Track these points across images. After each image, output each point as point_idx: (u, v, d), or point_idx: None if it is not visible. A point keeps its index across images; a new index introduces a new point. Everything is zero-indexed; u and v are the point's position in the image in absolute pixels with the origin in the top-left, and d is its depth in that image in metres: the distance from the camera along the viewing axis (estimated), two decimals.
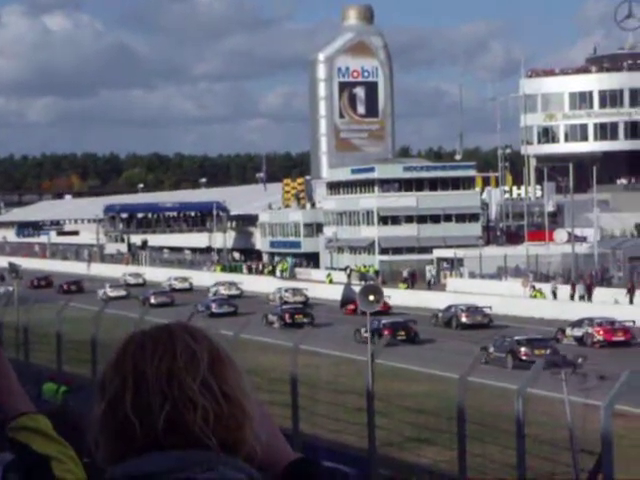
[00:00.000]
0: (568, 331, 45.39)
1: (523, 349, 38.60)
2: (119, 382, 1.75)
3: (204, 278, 79.27)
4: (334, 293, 62.24)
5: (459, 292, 64.06)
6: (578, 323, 45.69)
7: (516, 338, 39.83)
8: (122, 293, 71.95)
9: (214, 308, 59.00)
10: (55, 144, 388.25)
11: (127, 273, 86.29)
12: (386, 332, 42.23)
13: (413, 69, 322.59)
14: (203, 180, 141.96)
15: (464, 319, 51.72)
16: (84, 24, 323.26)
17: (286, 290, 66.96)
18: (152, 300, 63.66)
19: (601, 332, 44.35)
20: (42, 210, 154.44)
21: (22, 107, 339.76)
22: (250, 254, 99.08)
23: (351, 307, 53.60)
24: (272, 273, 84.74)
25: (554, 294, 60.72)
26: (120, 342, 1.83)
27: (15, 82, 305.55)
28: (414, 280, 72.92)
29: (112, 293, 70.93)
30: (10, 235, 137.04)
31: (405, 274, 73.69)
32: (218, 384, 1.74)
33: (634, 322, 45.10)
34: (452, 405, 17.00)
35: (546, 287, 62.21)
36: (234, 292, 70.67)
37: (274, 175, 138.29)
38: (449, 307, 53.59)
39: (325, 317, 55.48)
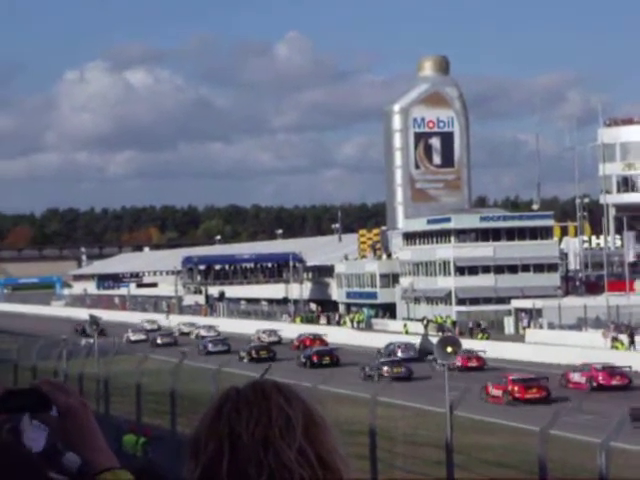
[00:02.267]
0: None
1: None
2: (215, 446, 1.74)
3: (284, 329, 79.26)
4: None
5: (539, 343, 63.29)
6: None
7: None
8: (142, 337, 78.37)
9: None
10: (135, 197, 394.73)
11: (181, 323, 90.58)
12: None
13: (489, 119, 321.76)
14: (279, 231, 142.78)
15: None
16: (165, 79, 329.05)
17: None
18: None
19: None
20: (122, 262, 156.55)
21: (103, 161, 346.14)
22: (327, 305, 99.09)
23: (295, 343, 59.79)
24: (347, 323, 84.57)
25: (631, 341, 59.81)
26: (215, 401, 1.82)
27: (97, 136, 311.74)
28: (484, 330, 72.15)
29: (133, 337, 76.03)
30: (91, 287, 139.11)
31: (482, 324, 73.09)
32: (314, 449, 1.72)
33: None
34: (533, 458, 16.74)
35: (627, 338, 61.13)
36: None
37: (350, 226, 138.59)
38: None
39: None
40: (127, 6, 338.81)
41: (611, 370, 47.72)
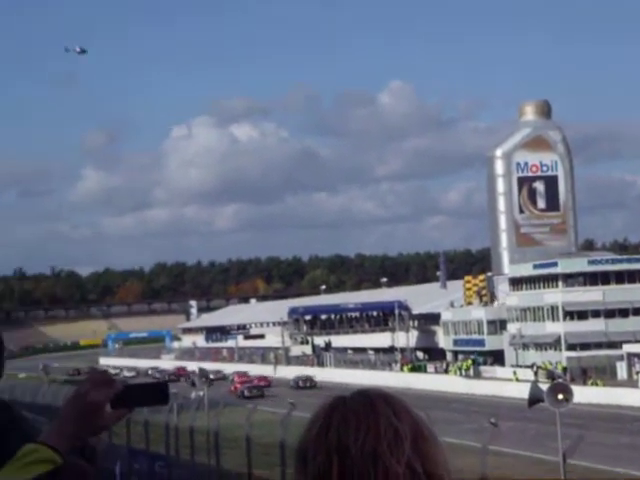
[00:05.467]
0: None
1: None
2: (324, 458, 1.72)
3: (387, 378, 78.98)
4: (521, 391, 61.04)
5: None
6: None
7: None
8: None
9: None
10: (240, 249, 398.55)
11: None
12: None
13: (594, 162, 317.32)
14: (384, 279, 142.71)
15: None
16: (270, 132, 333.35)
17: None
18: None
19: None
20: (229, 315, 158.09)
21: (209, 215, 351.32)
22: (434, 353, 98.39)
23: (235, 386, 59.53)
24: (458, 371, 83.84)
25: None
26: (321, 410, 1.83)
27: (203, 191, 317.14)
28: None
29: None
30: (200, 340, 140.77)
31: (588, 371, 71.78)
32: (422, 464, 1.70)
33: None
34: None
35: None
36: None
37: (454, 272, 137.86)
38: None
39: (511, 416, 54.30)
40: (231, 62, 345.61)
41: None
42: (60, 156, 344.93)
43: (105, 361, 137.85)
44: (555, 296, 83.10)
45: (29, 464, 2.14)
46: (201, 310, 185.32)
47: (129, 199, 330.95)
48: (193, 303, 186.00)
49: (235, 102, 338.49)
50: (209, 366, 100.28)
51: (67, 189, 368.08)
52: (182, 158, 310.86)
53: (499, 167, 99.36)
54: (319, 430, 1.76)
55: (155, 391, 2.26)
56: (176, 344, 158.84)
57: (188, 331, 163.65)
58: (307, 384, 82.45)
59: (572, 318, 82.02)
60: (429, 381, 76.49)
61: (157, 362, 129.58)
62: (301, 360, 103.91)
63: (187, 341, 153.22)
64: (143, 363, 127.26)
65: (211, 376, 78.06)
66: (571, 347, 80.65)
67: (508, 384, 71.32)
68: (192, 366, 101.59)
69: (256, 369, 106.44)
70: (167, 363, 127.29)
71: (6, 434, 3.94)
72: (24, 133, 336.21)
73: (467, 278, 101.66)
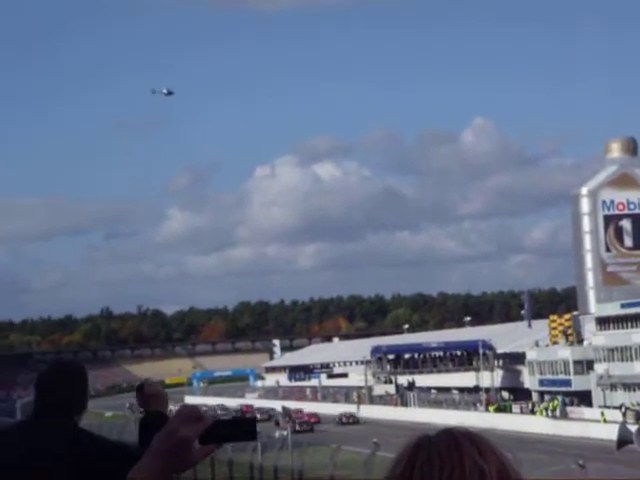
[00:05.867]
0: None
1: None
2: None
3: (472, 419, 78.11)
4: (609, 433, 59.87)
5: None
6: None
7: None
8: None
9: None
10: (323, 288, 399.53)
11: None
12: None
13: None
14: (467, 318, 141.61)
15: None
16: (352, 171, 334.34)
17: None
18: None
19: None
20: (312, 353, 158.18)
21: (292, 253, 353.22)
22: (519, 393, 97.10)
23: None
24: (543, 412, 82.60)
25: None
26: (406, 449, 1.81)
27: (286, 230, 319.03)
28: None
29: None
30: (283, 379, 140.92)
31: None
32: None
33: None
34: None
35: None
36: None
37: (539, 312, 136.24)
38: None
39: (599, 458, 53.29)
40: (312, 102, 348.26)
41: None
42: (146, 198, 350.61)
43: (190, 400, 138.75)
44: None
45: None
46: (284, 349, 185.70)
47: (213, 239, 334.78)
48: (276, 342, 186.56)
49: (317, 141, 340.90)
50: (293, 405, 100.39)
51: (152, 229, 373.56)
52: (265, 198, 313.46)
53: (585, 205, 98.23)
54: (403, 469, 1.74)
55: (244, 426, 2.30)
56: (260, 383, 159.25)
57: (271, 370, 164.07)
58: (350, 420, 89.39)
59: None
60: (515, 422, 75.41)
61: (241, 401, 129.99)
62: (384, 400, 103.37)
63: (270, 380, 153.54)
64: (229, 402, 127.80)
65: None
66: None
67: (596, 425, 70.04)
68: (276, 405, 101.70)
69: (340, 408, 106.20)
70: (251, 402, 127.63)
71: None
72: (110, 175, 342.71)
73: (552, 317, 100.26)
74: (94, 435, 4.14)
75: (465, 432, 1.80)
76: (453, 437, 1.77)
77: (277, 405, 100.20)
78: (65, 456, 3.95)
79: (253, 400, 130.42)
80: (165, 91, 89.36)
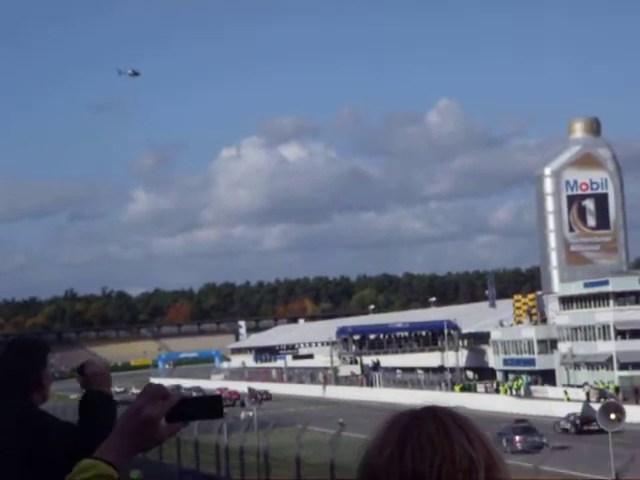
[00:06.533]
0: None
1: None
2: None
3: (438, 398, 78.47)
4: (573, 411, 60.54)
5: None
6: None
7: None
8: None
9: None
10: (288, 269, 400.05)
11: None
12: None
13: None
14: (433, 299, 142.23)
15: None
16: (319, 152, 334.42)
17: None
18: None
19: None
20: (278, 335, 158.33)
21: (258, 235, 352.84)
22: (484, 372, 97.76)
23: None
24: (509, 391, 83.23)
25: None
26: (390, 432, 1.79)
27: (252, 211, 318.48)
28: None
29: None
30: (249, 360, 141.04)
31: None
32: None
33: None
34: None
35: None
36: None
37: (504, 291, 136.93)
38: None
39: (563, 436, 53.83)
40: (279, 82, 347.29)
41: None
42: (110, 179, 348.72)
43: (156, 381, 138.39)
44: (606, 315, 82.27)
45: None
46: (250, 330, 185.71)
47: (179, 220, 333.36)
48: (242, 323, 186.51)
49: (284, 122, 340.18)
50: (259, 386, 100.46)
51: (117, 211, 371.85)
52: (231, 179, 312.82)
53: (548, 185, 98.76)
54: (391, 455, 1.73)
55: (210, 405, 2.28)
56: (225, 364, 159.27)
57: (237, 351, 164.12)
58: (264, 397, 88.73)
59: (624, 337, 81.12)
60: (479, 401, 75.83)
61: (207, 383, 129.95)
62: (350, 380, 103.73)
63: (236, 361, 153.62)
64: (193, 383, 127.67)
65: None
66: (623, 366, 79.75)
67: (559, 404, 70.65)
68: (242, 386, 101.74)
69: (305, 389, 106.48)
70: (217, 383, 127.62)
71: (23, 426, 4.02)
72: (75, 157, 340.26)
73: (517, 297, 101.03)
74: (46, 414, 4.15)
75: (450, 414, 1.79)
76: (441, 422, 1.77)
77: (243, 387, 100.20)
78: (14, 433, 3.97)
79: (219, 382, 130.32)
80: (131, 72, 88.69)
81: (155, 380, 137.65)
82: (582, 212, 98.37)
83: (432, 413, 1.79)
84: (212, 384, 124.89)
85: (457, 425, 1.77)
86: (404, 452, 1.73)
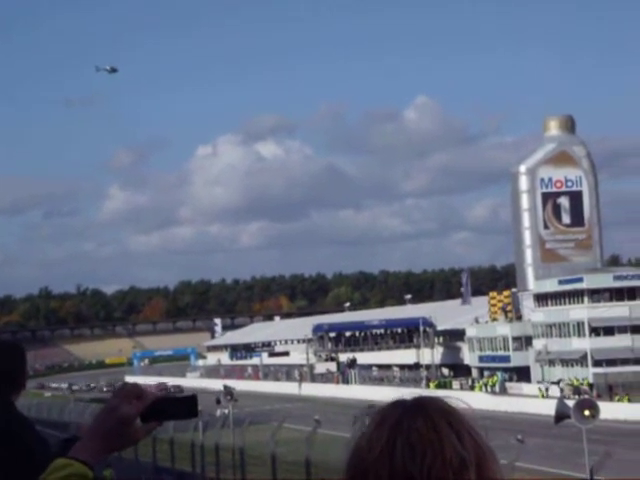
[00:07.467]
0: None
1: None
2: None
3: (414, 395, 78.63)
4: (548, 408, 60.75)
5: None
6: None
7: None
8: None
9: None
10: (264, 267, 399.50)
11: None
12: None
13: (620, 176, 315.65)
14: (408, 296, 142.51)
15: None
16: (295, 149, 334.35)
17: None
18: None
19: None
20: (253, 332, 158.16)
21: (234, 232, 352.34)
22: (459, 369, 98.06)
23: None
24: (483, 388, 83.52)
25: None
26: (377, 430, 1.75)
27: (228, 209, 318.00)
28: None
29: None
30: (224, 358, 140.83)
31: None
32: None
33: None
34: None
35: None
36: None
37: (479, 289, 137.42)
38: None
39: (537, 433, 54.06)
40: (257, 80, 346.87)
41: None
42: (86, 175, 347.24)
43: (131, 379, 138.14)
44: (581, 312, 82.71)
45: (62, 479, 2.16)
46: (225, 328, 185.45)
47: (154, 217, 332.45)
48: (217, 321, 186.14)
49: (261, 119, 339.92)
50: (234, 384, 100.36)
51: (93, 208, 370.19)
52: (207, 176, 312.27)
53: (523, 183, 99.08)
54: (380, 453, 1.70)
55: (186, 404, 2.27)
56: (201, 362, 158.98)
57: (213, 349, 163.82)
58: (177, 391, 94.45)
59: (598, 334, 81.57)
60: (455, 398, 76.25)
61: (182, 380, 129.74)
62: (326, 377, 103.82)
63: (212, 359, 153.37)
64: (168, 381, 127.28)
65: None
66: (597, 363, 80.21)
67: (534, 400, 70.98)
68: (217, 384, 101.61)
69: (281, 387, 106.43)
70: (192, 381, 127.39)
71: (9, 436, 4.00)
72: (50, 153, 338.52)
73: (492, 294, 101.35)
74: (28, 420, 4.13)
75: (441, 412, 1.76)
76: (430, 419, 1.74)
77: (219, 384, 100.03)
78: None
79: (195, 379, 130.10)
80: (108, 68, 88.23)
81: (130, 379, 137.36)
82: (557, 209, 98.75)
83: (422, 409, 1.77)
84: (188, 382, 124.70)
85: (447, 422, 1.75)
86: (394, 451, 1.70)
